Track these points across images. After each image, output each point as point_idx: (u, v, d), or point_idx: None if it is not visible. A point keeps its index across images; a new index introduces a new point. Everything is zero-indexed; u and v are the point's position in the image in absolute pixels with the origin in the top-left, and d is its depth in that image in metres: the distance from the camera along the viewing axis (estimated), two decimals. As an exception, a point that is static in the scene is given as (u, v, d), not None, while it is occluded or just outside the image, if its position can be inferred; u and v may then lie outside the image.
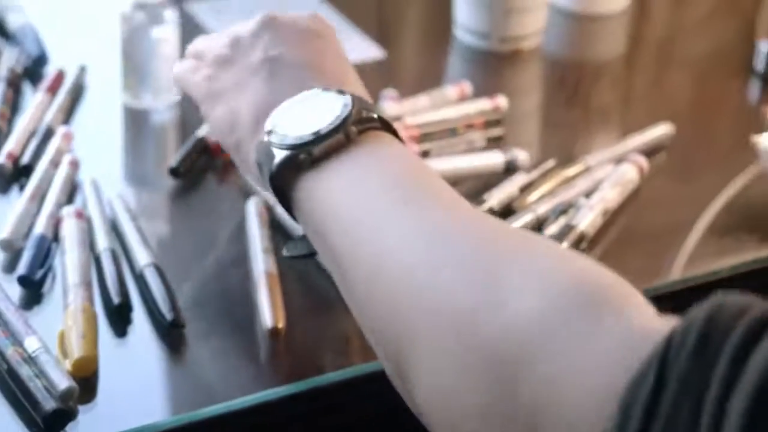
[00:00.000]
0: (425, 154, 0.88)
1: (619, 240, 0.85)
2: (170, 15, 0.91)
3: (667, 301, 0.82)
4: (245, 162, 0.68)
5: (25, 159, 0.85)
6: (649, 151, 0.92)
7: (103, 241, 0.77)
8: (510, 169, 0.88)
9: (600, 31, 1.10)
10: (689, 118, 0.99)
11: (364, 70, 1.01)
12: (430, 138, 0.90)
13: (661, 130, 0.94)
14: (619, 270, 0.82)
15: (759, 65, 1.02)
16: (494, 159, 0.89)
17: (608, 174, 0.88)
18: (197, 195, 0.86)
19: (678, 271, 0.83)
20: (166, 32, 0.91)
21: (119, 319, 0.73)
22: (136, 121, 0.92)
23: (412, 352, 0.54)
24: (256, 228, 0.80)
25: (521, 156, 0.89)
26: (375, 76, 1.01)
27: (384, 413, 0.74)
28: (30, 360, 0.67)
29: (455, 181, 0.87)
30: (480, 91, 0.97)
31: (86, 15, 1.05)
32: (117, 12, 0.92)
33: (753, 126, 0.91)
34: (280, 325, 0.73)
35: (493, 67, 1.04)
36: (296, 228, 0.75)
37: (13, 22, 0.99)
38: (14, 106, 0.91)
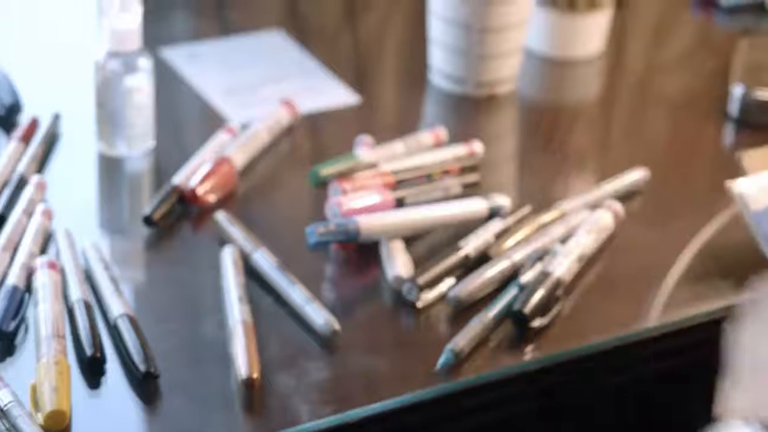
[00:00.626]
0: (400, 201, 0.88)
1: (595, 286, 0.85)
2: (144, 63, 0.91)
3: (643, 347, 0.82)
4: None
5: (-2, 209, 0.84)
6: (624, 197, 0.92)
7: (76, 292, 0.76)
8: (493, 215, 0.88)
9: (575, 76, 1.11)
10: (664, 162, 0.99)
11: (339, 116, 1.02)
12: (406, 185, 0.89)
13: (636, 175, 0.94)
14: (596, 316, 0.83)
15: (733, 109, 1.03)
16: (477, 206, 0.89)
17: (584, 220, 0.88)
18: (172, 243, 0.85)
19: (654, 317, 0.83)
20: (140, 80, 0.91)
21: (93, 370, 0.72)
22: (110, 169, 0.92)
23: None
24: (231, 277, 0.79)
25: (504, 202, 0.89)
26: (350, 122, 1.01)
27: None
28: (1, 413, 0.66)
29: (433, 228, 0.87)
30: (456, 137, 0.97)
31: (61, 62, 1.04)
32: (91, 59, 0.91)
33: (727, 171, 0.91)
34: (255, 375, 0.72)
35: (468, 112, 1.04)
36: None
37: (-13, 69, 0.99)
38: (-13, 154, 0.91)
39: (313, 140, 1.00)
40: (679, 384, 0.86)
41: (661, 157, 1.00)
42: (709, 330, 0.84)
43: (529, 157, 1.01)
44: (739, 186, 0.84)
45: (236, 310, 0.76)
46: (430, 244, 0.87)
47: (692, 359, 0.85)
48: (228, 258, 0.81)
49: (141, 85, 0.91)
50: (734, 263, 0.87)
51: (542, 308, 0.80)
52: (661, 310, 0.83)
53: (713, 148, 1.03)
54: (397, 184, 0.89)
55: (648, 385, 0.85)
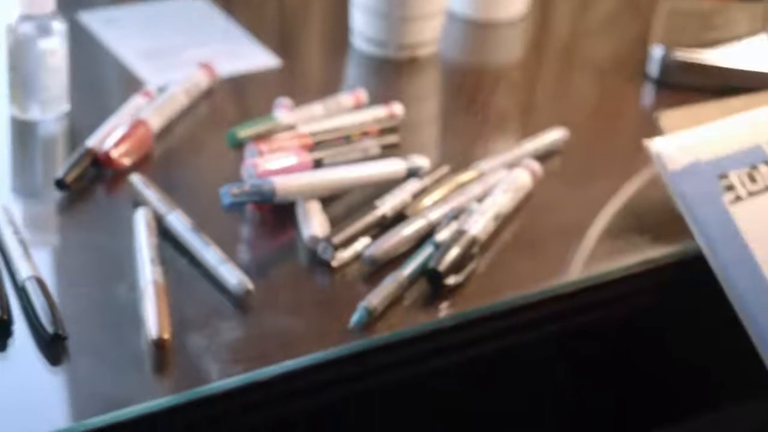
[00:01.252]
0: (318, 163, 0.88)
1: (512, 244, 0.85)
2: (58, 26, 0.90)
3: (562, 302, 0.83)
4: None
5: None
6: (544, 156, 0.92)
7: (-16, 255, 0.75)
8: (412, 176, 0.88)
9: (498, 38, 1.10)
10: (585, 123, 0.99)
11: (260, 79, 1.01)
12: (324, 146, 0.89)
13: (555, 135, 0.94)
14: (513, 274, 0.83)
15: (653, 70, 1.03)
16: (395, 166, 0.88)
17: (501, 179, 0.88)
18: (86, 207, 0.85)
19: (572, 273, 0.83)
20: (54, 43, 0.90)
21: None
22: (23, 133, 0.91)
23: None
24: (144, 238, 0.79)
25: (422, 163, 0.89)
26: (271, 85, 1.00)
27: (271, 422, 0.74)
28: None
29: (350, 188, 0.87)
30: (377, 99, 0.96)
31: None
32: (2, 23, 0.90)
33: (647, 131, 0.91)
34: (166, 335, 0.72)
35: (390, 74, 1.04)
36: None
37: None
38: None
39: (232, 103, 1.00)
40: (598, 338, 0.87)
41: (581, 118, 1.01)
42: (627, 285, 0.85)
43: (451, 119, 1.01)
44: (656, 145, 0.84)
45: (148, 271, 0.76)
46: (347, 205, 0.86)
47: (610, 314, 0.86)
48: (141, 220, 0.80)
49: (55, 48, 0.90)
50: (652, 220, 0.88)
51: (457, 266, 0.79)
52: (578, 267, 0.84)
53: (634, 109, 1.04)
54: (315, 146, 0.89)
55: (567, 341, 0.85)
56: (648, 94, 1.04)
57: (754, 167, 0.83)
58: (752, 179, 0.83)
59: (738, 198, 0.82)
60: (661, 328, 0.89)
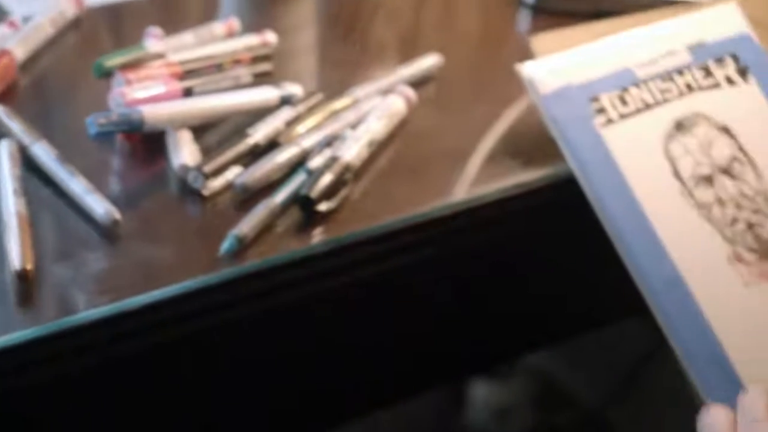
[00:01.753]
0: (188, 92, 0.86)
1: (387, 171, 0.84)
2: None
3: (439, 225, 0.82)
4: None
5: None
6: (419, 83, 0.92)
7: None
8: (285, 104, 0.87)
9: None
10: (462, 49, 0.99)
11: (131, 9, 0.99)
12: (195, 75, 0.87)
13: (430, 61, 0.93)
14: (388, 199, 0.82)
15: (528, -4, 1.03)
16: (267, 94, 0.87)
17: (375, 106, 0.87)
18: (-52, 139, 0.82)
19: (448, 197, 0.83)
20: None
21: None
22: None
23: None
24: (6, 170, 0.77)
25: (295, 90, 0.87)
26: (143, 15, 0.98)
27: (140, 352, 0.73)
28: None
29: (222, 117, 0.85)
30: (252, 29, 0.95)
31: None
32: None
33: (522, 56, 0.91)
34: (29, 266, 0.70)
35: (265, 4, 1.02)
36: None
37: None
38: None
39: (103, 34, 0.97)
40: (476, 261, 0.87)
41: (459, 45, 1.00)
42: (502, 208, 0.85)
43: (328, 48, 1.00)
44: (527, 70, 0.84)
45: (10, 203, 0.74)
46: (220, 134, 0.85)
47: (488, 237, 0.86)
48: (4, 151, 0.78)
49: None
50: (527, 145, 0.88)
51: (330, 192, 0.79)
52: (454, 191, 0.83)
53: (510, 35, 1.04)
54: (185, 74, 0.87)
55: (444, 264, 0.86)
56: (524, 20, 1.04)
57: (624, 89, 0.83)
58: (623, 102, 0.83)
59: (609, 120, 0.82)
60: (538, 250, 0.90)
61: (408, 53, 1.00)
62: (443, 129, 0.90)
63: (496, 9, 1.05)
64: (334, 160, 0.81)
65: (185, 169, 0.80)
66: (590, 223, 0.80)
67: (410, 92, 0.88)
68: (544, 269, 0.92)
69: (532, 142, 0.88)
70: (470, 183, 0.84)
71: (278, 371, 0.83)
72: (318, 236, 0.77)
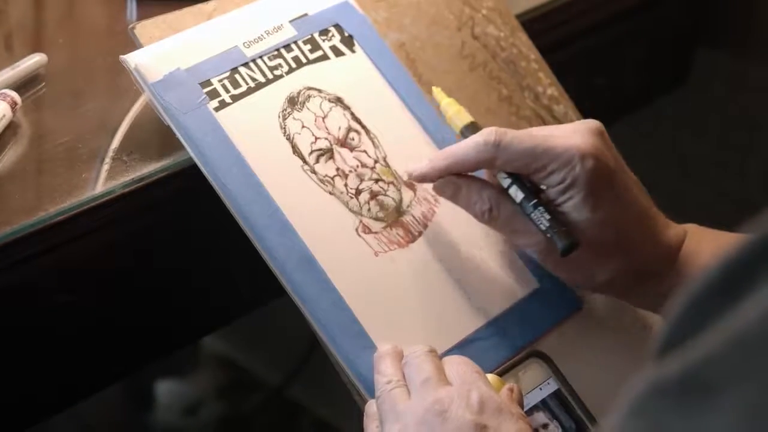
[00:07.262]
0: None
1: (7, 178, 0.80)
2: None
3: (58, 230, 0.79)
4: None
5: None
6: (26, 84, 0.87)
7: None
8: None
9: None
10: (69, 45, 0.95)
11: None
12: None
13: (32, 60, 0.89)
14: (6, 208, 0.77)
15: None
16: None
17: (-24, 113, 0.82)
18: None
19: (65, 199, 0.79)
20: None
21: None
22: None
23: None
24: None
25: None
26: None
27: None
28: None
29: None
30: None
31: None
32: None
33: (132, 47, 0.88)
34: None
35: None
36: None
37: None
38: None
39: None
40: (104, 264, 0.84)
41: (69, 41, 0.96)
42: (119, 205, 0.81)
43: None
44: (133, 59, 0.80)
45: None
46: None
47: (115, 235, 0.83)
48: None
49: None
50: (144, 137, 0.85)
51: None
52: (71, 192, 0.80)
53: (119, 26, 1.00)
54: None
55: (73, 270, 0.82)
56: (133, 9, 1.01)
57: (234, 70, 0.82)
58: (235, 83, 0.81)
59: (223, 103, 0.80)
60: (173, 239, 0.87)
61: (15, 54, 0.95)
62: (58, 128, 0.86)
63: (105, 1, 1.01)
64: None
65: None
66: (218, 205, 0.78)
67: (14, 95, 0.84)
68: (185, 256, 0.90)
69: (153, 132, 0.85)
70: (92, 181, 0.81)
71: None
72: None
